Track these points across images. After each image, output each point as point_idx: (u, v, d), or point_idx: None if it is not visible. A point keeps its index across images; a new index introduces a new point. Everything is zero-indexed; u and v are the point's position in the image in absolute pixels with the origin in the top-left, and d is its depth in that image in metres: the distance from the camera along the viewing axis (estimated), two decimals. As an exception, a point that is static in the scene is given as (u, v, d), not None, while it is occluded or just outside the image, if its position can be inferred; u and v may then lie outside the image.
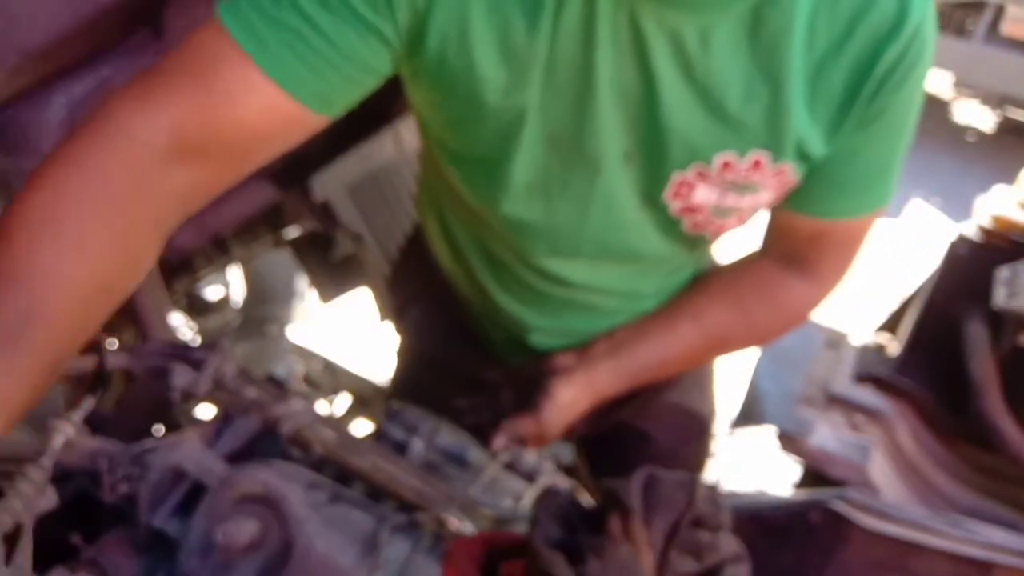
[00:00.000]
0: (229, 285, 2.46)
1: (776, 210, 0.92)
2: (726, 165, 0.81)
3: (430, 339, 1.19)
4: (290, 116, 0.71)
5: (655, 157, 0.81)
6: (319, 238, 1.91)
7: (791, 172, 0.84)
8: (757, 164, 0.82)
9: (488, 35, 0.71)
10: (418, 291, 1.18)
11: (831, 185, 0.86)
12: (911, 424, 1.34)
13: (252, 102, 0.68)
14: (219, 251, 1.81)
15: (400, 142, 1.80)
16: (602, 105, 0.76)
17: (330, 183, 1.60)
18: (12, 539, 0.57)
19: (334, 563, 0.59)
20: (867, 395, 1.30)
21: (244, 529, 0.60)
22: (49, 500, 0.62)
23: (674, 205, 0.86)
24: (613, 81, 0.75)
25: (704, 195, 0.84)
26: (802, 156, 0.82)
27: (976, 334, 1.37)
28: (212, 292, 2.42)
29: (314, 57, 0.68)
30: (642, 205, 0.86)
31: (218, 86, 0.67)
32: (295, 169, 1.45)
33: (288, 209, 1.77)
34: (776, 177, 0.84)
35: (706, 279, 1.02)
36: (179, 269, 1.78)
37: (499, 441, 0.88)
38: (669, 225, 0.89)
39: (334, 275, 2.03)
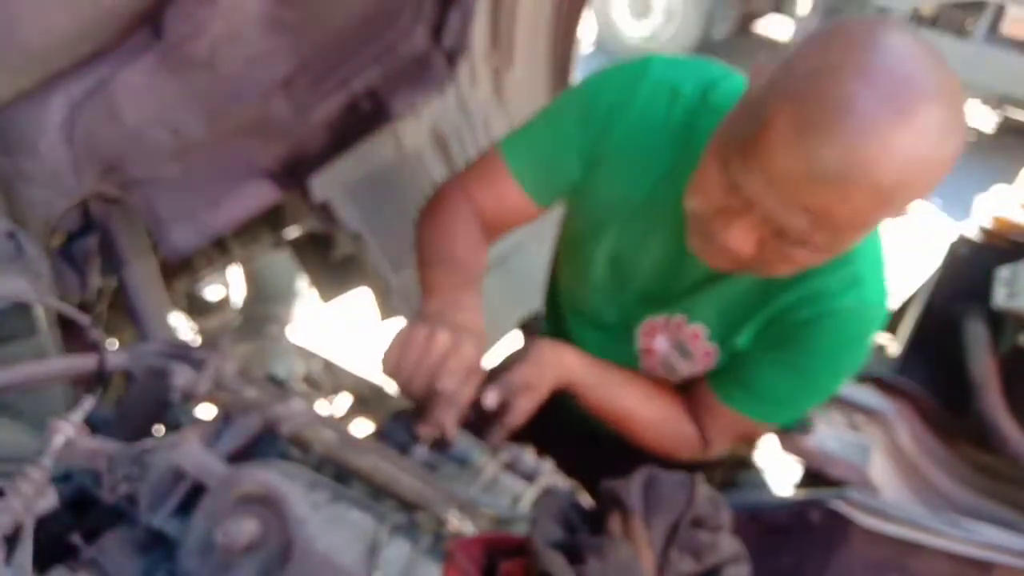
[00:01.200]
0: (229, 285, 2.46)
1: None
2: (678, 324, 1.12)
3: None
4: (534, 211, 1.15)
5: (656, 300, 1.12)
6: (319, 238, 1.91)
7: (716, 355, 1.11)
8: (696, 335, 1.11)
9: (614, 189, 1.09)
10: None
11: (729, 368, 1.11)
12: (911, 424, 1.33)
13: (512, 205, 1.13)
14: (219, 251, 1.81)
15: (400, 142, 1.80)
16: (646, 255, 1.11)
17: (330, 183, 1.60)
18: (12, 539, 0.57)
19: (334, 563, 0.59)
20: (867, 395, 1.30)
21: (244, 529, 0.60)
22: (49, 500, 0.62)
23: (642, 340, 1.16)
24: (661, 250, 1.09)
25: (660, 344, 1.14)
26: (725, 342, 1.09)
27: (976, 334, 1.37)
28: (212, 292, 2.41)
29: (550, 178, 1.12)
30: (629, 328, 1.16)
31: (496, 194, 1.13)
32: (295, 169, 1.44)
33: (288, 209, 1.77)
34: (705, 355, 1.11)
35: (662, 388, 1.20)
36: (179, 269, 1.78)
37: (491, 397, 0.93)
38: (632, 358, 1.17)
39: (334, 275, 2.03)
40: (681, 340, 1.12)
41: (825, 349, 1.02)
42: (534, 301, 1.62)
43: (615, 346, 1.18)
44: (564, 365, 1.06)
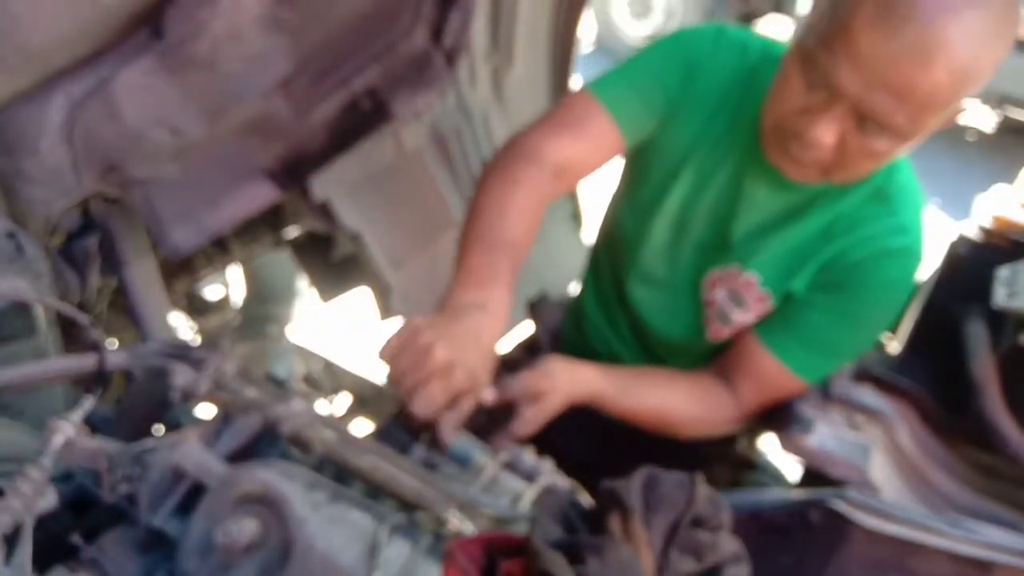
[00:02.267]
0: (229, 285, 2.46)
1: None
2: (733, 274, 1.18)
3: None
4: (616, 150, 1.18)
5: (713, 250, 1.20)
6: (319, 238, 1.91)
7: (768, 302, 1.18)
8: (750, 283, 1.18)
9: (686, 142, 1.18)
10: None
11: (779, 315, 1.18)
12: (911, 424, 1.33)
13: (604, 144, 1.16)
14: (219, 251, 1.81)
15: (400, 142, 1.80)
16: (705, 199, 1.19)
17: (330, 183, 1.60)
18: (12, 539, 0.57)
19: (334, 563, 0.59)
20: (867, 394, 1.29)
21: (244, 529, 0.60)
22: (49, 500, 0.62)
23: (706, 293, 1.22)
24: (718, 194, 1.17)
25: (719, 294, 1.21)
26: (779, 288, 1.16)
27: (976, 334, 1.37)
28: (212, 292, 2.41)
29: (642, 112, 1.17)
30: (693, 282, 1.24)
31: (587, 135, 1.15)
32: (295, 169, 1.45)
33: (288, 209, 1.77)
34: (758, 301, 1.18)
35: (675, 371, 1.26)
36: (179, 269, 1.78)
37: (488, 395, 0.92)
38: (698, 308, 1.24)
39: (334, 275, 2.03)
40: (735, 289, 1.19)
41: (872, 291, 1.12)
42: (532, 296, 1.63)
43: (680, 301, 1.26)
44: (580, 380, 1.06)
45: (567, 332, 1.53)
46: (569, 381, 1.03)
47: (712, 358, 1.26)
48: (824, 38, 0.92)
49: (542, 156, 1.12)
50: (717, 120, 1.16)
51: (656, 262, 1.27)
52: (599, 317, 1.40)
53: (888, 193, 1.12)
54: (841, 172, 1.02)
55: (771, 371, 1.17)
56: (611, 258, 1.36)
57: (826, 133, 0.95)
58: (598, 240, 1.43)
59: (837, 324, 1.14)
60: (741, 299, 1.19)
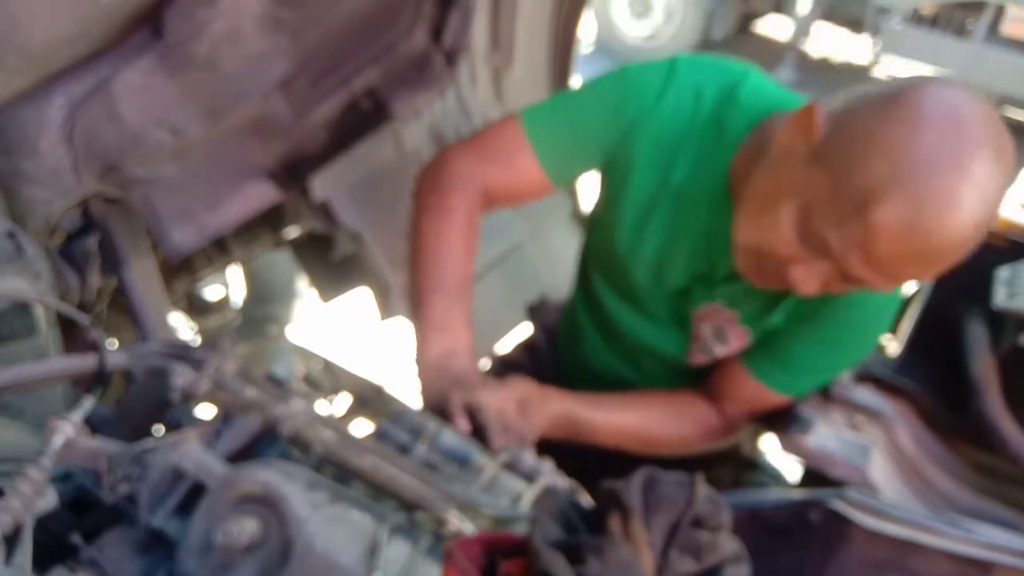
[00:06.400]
0: (229, 285, 2.46)
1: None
2: (718, 311, 1.17)
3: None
4: (545, 189, 1.17)
5: (694, 293, 1.18)
6: (319, 238, 1.91)
7: (748, 337, 1.17)
8: (731, 319, 1.16)
9: (647, 172, 1.12)
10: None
11: (761, 345, 1.17)
12: (911, 424, 1.33)
13: (527, 179, 1.15)
14: (219, 251, 1.81)
15: (400, 142, 1.80)
16: (680, 251, 1.15)
17: (330, 183, 1.59)
18: (12, 539, 0.57)
19: (334, 563, 0.59)
20: (867, 395, 1.29)
21: (244, 529, 0.60)
22: (49, 500, 0.62)
23: (694, 328, 1.20)
24: (692, 246, 1.14)
25: (706, 330, 1.20)
26: (757, 323, 1.15)
27: (976, 334, 1.37)
28: (212, 292, 2.41)
29: (571, 161, 1.16)
30: (680, 320, 1.22)
31: (511, 166, 1.14)
32: (295, 169, 1.44)
33: (288, 209, 1.77)
34: (738, 338, 1.18)
35: (652, 391, 1.28)
36: (179, 269, 1.78)
37: (462, 423, 0.92)
38: (686, 341, 1.23)
39: (334, 275, 2.03)
40: (719, 325, 1.18)
41: (852, 319, 1.10)
42: (532, 297, 1.63)
43: (667, 332, 1.25)
44: (552, 408, 1.07)
45: (562, 341, 1.53)
46: (542, 409, 1.05)
47: (700, 373, 1.27)
48: (837, 219, 0.86)
49: (470, 182, 1.14)
50: (675, 169, 1.10)
51: (640, 299, 1.25)
52: (592, 331, 1.40)
53: None
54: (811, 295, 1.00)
55: (755, 393, 1.19)
56: (597, 277, 1.33)
57: (810, 284, 0.93)
58: (584, 255, 1.39)
59: (818, 350, 1.15)
60: (724, 336, 1.19)
